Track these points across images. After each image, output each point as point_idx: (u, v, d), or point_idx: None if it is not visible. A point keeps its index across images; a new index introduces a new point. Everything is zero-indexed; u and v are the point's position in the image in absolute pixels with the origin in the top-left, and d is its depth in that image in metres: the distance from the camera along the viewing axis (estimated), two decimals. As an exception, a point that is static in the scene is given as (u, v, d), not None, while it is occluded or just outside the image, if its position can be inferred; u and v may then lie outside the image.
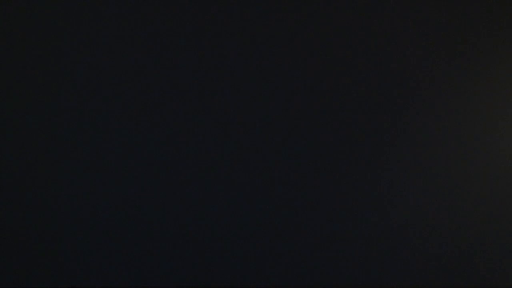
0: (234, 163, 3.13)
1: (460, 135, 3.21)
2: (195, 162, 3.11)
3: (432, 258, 3.17)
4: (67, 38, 3.10)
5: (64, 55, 3.10)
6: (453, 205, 3.19)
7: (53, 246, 3.05)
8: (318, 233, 3.14)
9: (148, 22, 3.13)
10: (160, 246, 3.08)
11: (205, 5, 3.16)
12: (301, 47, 3.18)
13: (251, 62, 3.16)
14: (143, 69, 3.12)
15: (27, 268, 3.04)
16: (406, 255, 3.16)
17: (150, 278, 3.08)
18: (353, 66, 3.19)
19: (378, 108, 3.19)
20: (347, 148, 3.17)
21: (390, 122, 3.19)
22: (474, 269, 3.18)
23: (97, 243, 3.06)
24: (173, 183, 3.10)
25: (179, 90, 3.13)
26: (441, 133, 3.20)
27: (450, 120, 3.21)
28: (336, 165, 3.16)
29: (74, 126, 3.08)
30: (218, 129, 3.13)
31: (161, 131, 3.11)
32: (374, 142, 3.18)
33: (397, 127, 3.19)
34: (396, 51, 3.21)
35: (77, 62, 3.10)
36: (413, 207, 3.18)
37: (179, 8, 3.15)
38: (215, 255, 3.10)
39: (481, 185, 3.20)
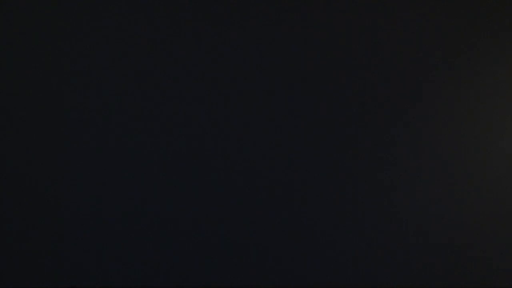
0: (234, 164, 3.13)
1: (460, 135, 3.21)
2: (195, 163, 3.11)
3: (432, 258, 3.17)
4: (69, 38, 3.10)
5: (66, 56, 3.10)
6: (453, 205, 3.19)
7: (54, 246, 3.05)
8: (318, 233, 3.14)
9: (149, 22, 3.13)
10: (160, 246, 3.08)
11: (205, 5, 3.16)
12: (301, 47, 3.18)
13: (251, 62, 3.16)
14: (144, 70, 3.12)
15: (27, 268, 3.04)
16: (406, 255, 3.16)
17: (150, 278, 3.08)
18: (354, 66, 3.19)
19: (378, 109, 3.18)
20: (348, 148, 3.17)
21: (390, 123, 3.19)
22: (474, 269, 3.17)
23: (98, 243, 3.06)
24: (174, 183, 3.10)
25: (180, 91, 3.13)
26: (441, 134, 3.20)
27: (450, 121, 3.21)
28: (336, 165, 3.16)
29: (73, 127, 3.08)
30: (219, 129, 3.13)
31: (161, 131, 3.11)
32: (374, 142, 3.18)
33: (397, 128, 3.19)
34: (396, 52, 3.21)
35: (79, 62, 3.10)
36: (413, 207, 3.18)
37: (179, 8, 3.15)
38: (215, 255, 3.10)
39: (481, 185, 3.20)
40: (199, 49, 3.14)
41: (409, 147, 3.18)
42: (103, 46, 3.11)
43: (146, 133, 3.10)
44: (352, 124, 3.17)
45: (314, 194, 3.14)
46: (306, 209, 3.13)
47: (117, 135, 3.09)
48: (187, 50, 3.14)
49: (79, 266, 3.05)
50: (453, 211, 3.19)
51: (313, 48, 3.18)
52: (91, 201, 3.06)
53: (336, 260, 3.13)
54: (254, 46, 3.16)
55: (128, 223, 3.07)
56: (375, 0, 3.21)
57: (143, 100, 3.11)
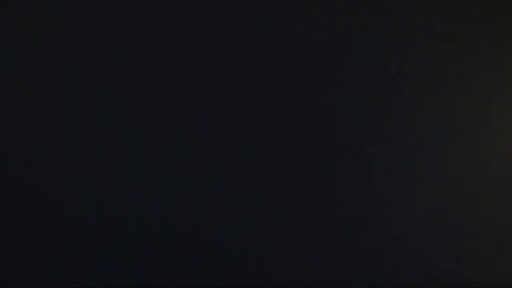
0: (234, 164, 3.13)
1: (462, 135, 3.21)
2: (195, 163, 3.11)
3: (433, 258, 3.17)
4: (69, 38, 3.10)
5: (66, 56, 3.10)
6: (454, 205, 3.19)
7: (54, 246, 3.05)
8: (318, 233, 3.14)
9: (149, 22, 3.14)
10: (160, 246, 3.09)
11: (205, 5, 3.16)
12: (301, 47, 3.18)
13: (251, 62, 3.16)
14: (144, 70, 3.12)
15: (27, 268, 3.04)
16: (406, 255, 3.16)
17: (150, 278, 3.08)
18: (354, 66, 3.20)
19: (378, 109, 3.19)
20: (347, 148, 3.17)
21: (390, 123, 3.19)
22: (474, 269, 3.18)
23: (98, 243, 3.06)
24: (174, 183, 3.10)
25: (180, 91, 3.13)
26: (442, 134, 3.20)
27: (452, 121, 3.21)
28: (336, 165, 3.16)
29: (73, 127, 3.08)
30: (219, 129, 3.13)
31: (161, 131, 3.11)
32: (375, 142, 3.18)
33: (398, 128, 3.19)
34: (396, 52, 3.21)
35: (79, 62, 3.10)
36: (413, 207, 3.18)
37: (179, 8, 3.15)
38: (215, 255, 3.10)
39: (482, 185, 3.20)
40: (199, 49, 3.14)
41: (409, 147, 3.18)
42: (103, 46, 3.11)
43: (146, 133, 3.10)
44: (352, 124, 3.17)
45: (314, 194, 3.14)
46: (306, 209, 3.14)
47: (117, 135, 3.09)
48: (187, 50, 3.14)
49: (79, 266, 3.05)
50: (453, 211, 3.19)
51: (313, 48, 3.18)
52: (91, 201, 3.07)
53: (336, 260, 3.13)
54: (254, 46, 3.16)
55: (128, 223, 3.07)
56: (375, 0, 3.21)
57: (143, 100, 3.11)
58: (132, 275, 3.07)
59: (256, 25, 3.17)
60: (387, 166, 3.17)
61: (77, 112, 3.09)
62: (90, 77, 3.10)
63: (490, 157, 3.20)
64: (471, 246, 3.18)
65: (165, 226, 3.09)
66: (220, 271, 3.10)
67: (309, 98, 3.16)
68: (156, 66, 3.12)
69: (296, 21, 3.18)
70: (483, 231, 3.19)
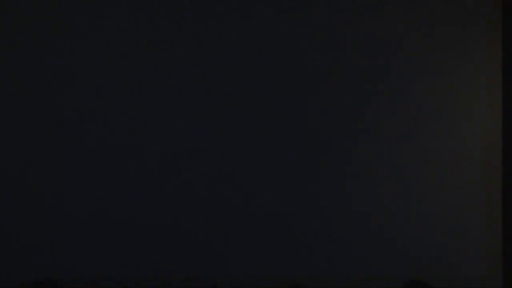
0: (234, 164, 3.12)
1: (460, 135, 3.20)
2: (195, 163, 3.11)
3: (432, 258, 3.17)
4: (69, 38, 3.10)
5: (66, 56, 3.10)
6: (454, 205, 3.19)
7: (54, 246, 3.05)
8: (318, 233, 3.14)
9: (149, 22, 3.14)
10: (160, 246, 3.08)
11: (205, 5, 3.16)
12: (301, 47, 3.18)
13: (251, 62, 3.16)
14: (144, 70, 3.12)
15: (27, 268, 3.04)
16: (406, 255, 3.16)
17: (150, 278, 3.08)
18: (354, 66, 3.19)
19: (378, 109, 3.18)
20: (347, 148, 3.17)
21: (390, 123, 3.18)
22: (474, 269, 3.17)
23: (97, 243, 3.06)
24: (174, 183, 3.10)
25: (180, 91, 3.13)
26: (442, 134, 3.20)
27: (450, 122, 3.21)
28: (336, 165, 3.16)
29: (73, 127, 3.08)
30: (219, 129, 3.13)
31: (161, 131, 3.11)
32: (375, 142, 3.17)
33: (398, 128, 3.18)
34: (396, 52, 3.20)
35: (79, 62, 3.10)
36: (413, 207, 3.17)
37: (179, 8, 3.15)
38: (215, 255, 3.10)
39: (481, 186, 3.20)
40: (199, 49, 3.14)
41: (409, 147, 3.18)
42: (103, 46, 3.11)
43: (146, 133, 3.10)
44: (352, 124, 3.16)
45: (314, 194, 3.14)
46: (306, 209, 3.13)
47: (117, 135, 3.09)
48: (187, 50, 3.14)
49: (79, 266, 3.05)
50: (453, 211, 3.18)
51: (313, 48, 3.18)
52: (91, 201, 3.06)
53: (336, 260, 3.13)
54: (254, 46, 3.16)
55: (128, 223, 3.07)
56: (375, 0, 3.21)
57: (143, 100, 3.11)
58: (132, 275, 3.07)
59: (256, 25, 3.17)
60: (387, 166, 3.16)
61: (77, 112, 3.09)
62: (90, 77, 3.10)
63: (490, 157, 3.20)
64: (471, 246, 3.17)
65: (165, 226, 3.09)
66: (220, 271, 3.10)
67: (309, 98, 3.16)
68: (156, 66, 3.12)
69: (296, 21, 3.18)
70: (483, 231, 3.18)
